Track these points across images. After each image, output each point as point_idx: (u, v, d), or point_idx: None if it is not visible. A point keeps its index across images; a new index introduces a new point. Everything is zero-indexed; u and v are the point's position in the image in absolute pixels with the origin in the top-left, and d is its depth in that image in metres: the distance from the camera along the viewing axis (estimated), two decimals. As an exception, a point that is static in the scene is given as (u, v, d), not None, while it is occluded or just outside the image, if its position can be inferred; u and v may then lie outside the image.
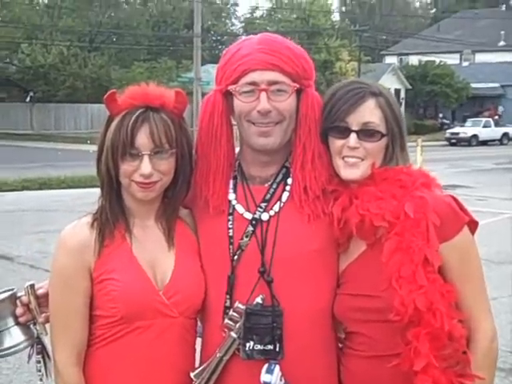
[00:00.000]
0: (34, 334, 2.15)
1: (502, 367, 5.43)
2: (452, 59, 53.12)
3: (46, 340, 2.17)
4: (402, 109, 37.92)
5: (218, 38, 57.72)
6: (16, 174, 18.35)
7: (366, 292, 2.05)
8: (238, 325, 2.08)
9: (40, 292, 2.14)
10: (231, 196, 2.19)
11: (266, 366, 2.05)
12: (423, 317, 1.93)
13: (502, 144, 41.07)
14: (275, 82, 2.08)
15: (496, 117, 46.53)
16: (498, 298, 7.21)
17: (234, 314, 2.09)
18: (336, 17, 62.40)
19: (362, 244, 2.10)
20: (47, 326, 2.15)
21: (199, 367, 2.14)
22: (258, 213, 2.14)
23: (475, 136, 40.46)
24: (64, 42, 42.58)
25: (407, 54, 59.71)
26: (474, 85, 49.36)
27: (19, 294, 2.14)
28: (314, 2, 47.02)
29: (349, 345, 2.16)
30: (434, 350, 1.94)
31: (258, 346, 2.05)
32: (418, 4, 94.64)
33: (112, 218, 2.11)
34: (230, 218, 2.16)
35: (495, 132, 41.91)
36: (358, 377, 2.11)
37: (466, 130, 40.98)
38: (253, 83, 2.07)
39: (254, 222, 2.13)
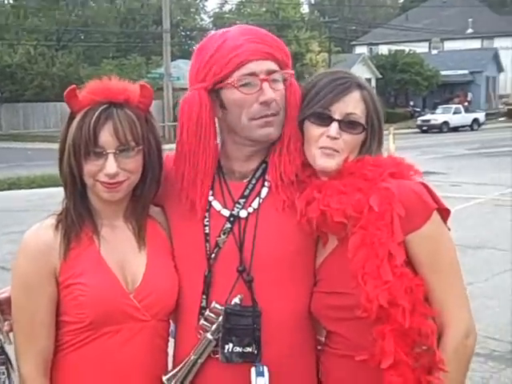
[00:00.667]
0: None
1: (481, 353, 5.44)
2: (421, 48, 53.42)
3: (10, 350, 2.06)
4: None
5: (188, 33, 57.45)
6: (-16, 175, 18.12)
7: (338, 289, 1.99)
8: (214, 326, 2.00)
9: (2, 297, 2.04)
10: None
11: (253, 369, 1.98)
12: (390, 313, 1.86)
13: (472, 130, 41.35)
14: (273, 71, 2.01)
15: (466, 103, 46.95)
16: (474, 283, 7.23)
17: (211, 314, 2.01)
18: (305, 9, 62.43)
19: (334, 239, 2.04)
20: (10, 334, 2.04)
21: (171, 371, 2.06)
22: (236, 209, 2.06)
23: (446, 122, 40.71)
24: (31, 42, 42.05)
25: (377, 44, 60.01)
26: (443, 72, 49.73)
27: None
28: (283, -5, 47.03)
29: (327, 343, 2.10)
30: (403, 347, 1.87)
31: (237, 349, 1.97)
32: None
33: (78, 219, 2.01)
34: (207, 214, 2.07)
35: (465, 118, 42.21)
36: (335, 375, 2.06)
37: (437, 116, 41.23)
38: (252, 74, 1.99)
39: (231, 219, 2.05)
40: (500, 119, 49.01)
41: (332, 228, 2.00)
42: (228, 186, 2.09)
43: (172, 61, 31.97)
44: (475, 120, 42.53)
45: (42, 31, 43.96)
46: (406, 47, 50.68)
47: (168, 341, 2.15)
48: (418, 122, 42.19)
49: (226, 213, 2.06)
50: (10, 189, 17.30)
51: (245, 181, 2.09)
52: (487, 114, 45.51)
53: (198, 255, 2.06)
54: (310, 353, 2.12)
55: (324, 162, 1.99)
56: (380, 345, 1.88)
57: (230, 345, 1.97)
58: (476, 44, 58.58)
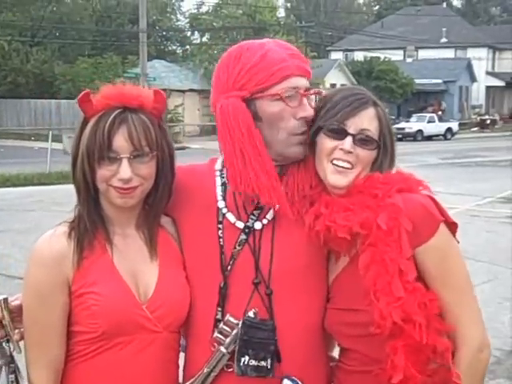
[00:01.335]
0: (7, 352, 1.96)
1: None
2: (396, 55, 53.88)
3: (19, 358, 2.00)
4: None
5: (164, 33, 57.19)
6: (-43, 173, 17.84)
7: (352, 306, 1.98)
8: (228, 339, 1.96)
9: (13, 305, 1.97)
10: (220, 204, 2.07)
11: (286, 381, 1.97)
12: (403, 329, 1.86)
13: (446, 139, 41.78)
14: (309, 88, 2.04)
15: (440, 112, 47.43)
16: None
17: (225, 327, 1.97)
18: (281, 13, 62.53)
19: (346, 257, 2.03)
20: (21, 343, 1.98)
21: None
22: (250, 221, 2.03)
23: (420, 131, 41.08)
24: (5, 37, 41.55)
25: (352, 50, 60.39)
26: (417, 81, 50.26)
27: None
28: (260, -2, 47.07)
29: (341, 360, 2.09)
30: (415, 363, 1.87)
31: (253, 362, 1.94)
32: (361, 1, 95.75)
33: (91, 227, 1.97)
34: (220, 226, 2.04)
35: (439, 127, 42.62)
36: None
37: (412, 125, 41.57)
38: (295, 88, 1.99)
39: (246, 231, 2.02)
40: (473, 129, 49.65)
41: (337, 244, 1.99)
42: (241, 196, 2.05)
43: (148, 61, 31.79)
44: (449, 129, 42.99)
45: (16, 26, 43.42)
46: (381, 54, 51.10)
47: (179, 353, 2.11)
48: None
49: (241, 225, 2.03)
50: (-17, 187, 17.05)
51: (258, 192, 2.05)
52: (460, 124, 46.04)
53: (213, 267, 2.02)
54: (324, 367, 2.11)
55: (336, 179, 1.98)
56: (391, 360, 1.87)
57: (246, 357, 1.95)
58: (450, 53, 59.25)
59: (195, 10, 56.13)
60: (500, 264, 9.35)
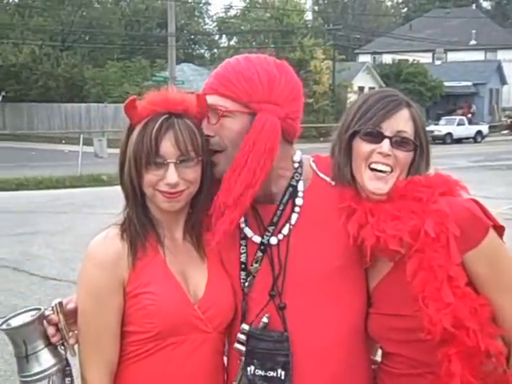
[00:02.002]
0: (63, 355, 1.98)
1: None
2: (424, 58, 53.54)
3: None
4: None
5: (192, 37, 57.49)
6: (-10, 175, 18.08)
7: (398, 312, 1.97)
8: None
9: (69, 307, 1.98)
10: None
11: None
12: (455, 335, 1.84)
13: (476, 142, 41.37)
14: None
15: (469, 115, 46.89)
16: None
17: (241, 336, 2.01)
18: (309, 16, 62.45)
19: (388, 262, 2.01)
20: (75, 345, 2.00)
21: None
22: (265, 237, 2.04)
23: (449, 134, 40.70)
24: (36, 41, 42.10)
25: (380, 53, 60.03)
26: (446, 83, 49.73)
27: (46, 313, 1.95)
28: (288, 1, 47.01)
29: (385, 363, 2.08)
30: (470, 369, 1.86)
31: (259, 372, 1.97)
32: (389, 3, 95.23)
33: (141, 229, 2.00)
34: (243, 242, 2.07)
35: (469, 130, 42.22)
36: None
37: (441, 128, 41.17)
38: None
39: (262, 247, 2.03)
40: (503, 132, 49.05)
41: (385, 254, 1.97)
42: (258, 209, 2.07)
43: (176, 64, 31.95)
44: (479, 132, 42.52)
45: (47, 31, 44.11)
46: (410, 57, 50.74)
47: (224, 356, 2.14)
48: (422, 133, 42.09)
49: (257, 239, 2.05)
50: (17, 189, 17.29)
51: (272, 204, 2.07)
52: (490, 127, 45.44)
53: (234, 282, 2.06)
54: (364, 373, 2.08)
55: (375, 185, 1.97)
56: (446, 367, 1.86)
57: (252, 367, 1.98)
58: (479, 56, 58.65)
59: (223, 14, 56.57)
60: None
